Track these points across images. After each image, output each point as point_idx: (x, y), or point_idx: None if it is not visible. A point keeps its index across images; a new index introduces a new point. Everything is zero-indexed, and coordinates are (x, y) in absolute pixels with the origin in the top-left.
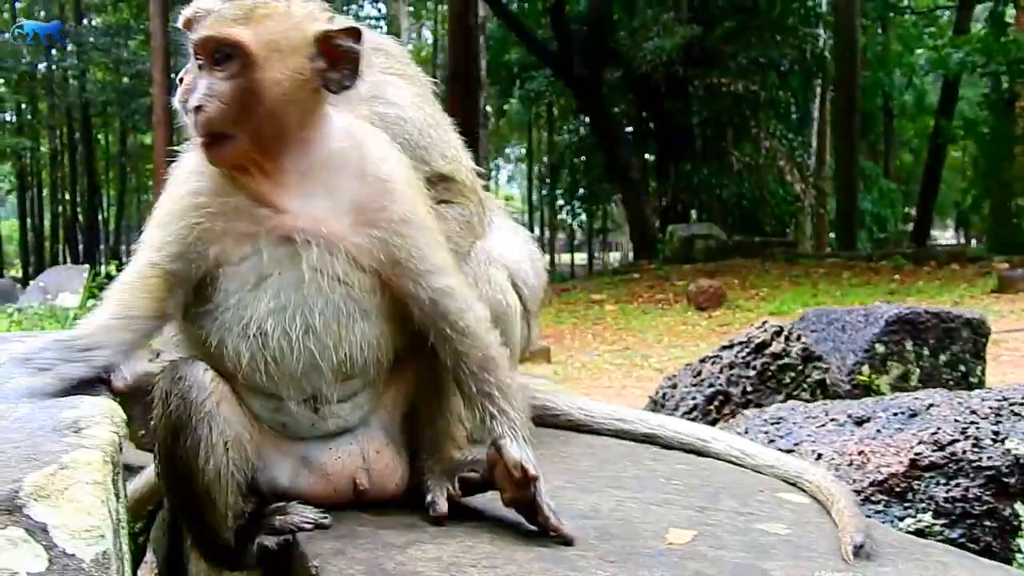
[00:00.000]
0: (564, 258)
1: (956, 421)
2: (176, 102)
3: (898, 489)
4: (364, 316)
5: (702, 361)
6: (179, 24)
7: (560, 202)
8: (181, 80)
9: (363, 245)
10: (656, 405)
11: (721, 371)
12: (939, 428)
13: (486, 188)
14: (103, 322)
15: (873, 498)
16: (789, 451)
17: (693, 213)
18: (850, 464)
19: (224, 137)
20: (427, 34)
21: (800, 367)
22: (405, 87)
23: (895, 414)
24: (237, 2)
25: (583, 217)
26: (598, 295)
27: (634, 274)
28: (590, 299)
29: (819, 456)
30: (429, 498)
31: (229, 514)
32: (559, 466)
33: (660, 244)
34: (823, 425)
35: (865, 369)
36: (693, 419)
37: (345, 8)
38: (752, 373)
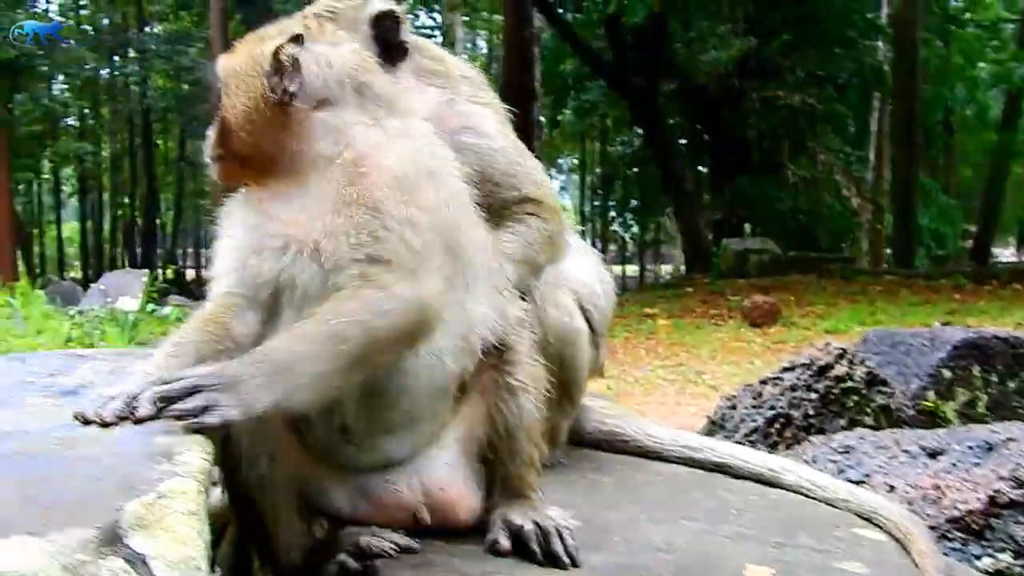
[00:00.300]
0: (615, 270)
1: None
2: None
3: (976, 527)
4: None
5: (763, 382)
6: None
7: (612, 213)
8: None
9: (333, 247)
10: (715, 426)
11: (782, 393)
12: (1018, 464)
13: None
14: (163, 352)
15: (949, 535)
16: (859, 482)
17: (747, 227)
18: (924, 498)
19: (218, 159)
20: (481, 44)
21: (864, 391)
22: (491, 116)
23: (971, 447)
24: None
25: (635, 229)
26: (651, 309)
27: (687, 288)
28: (643, 312)
29: (891, 489)
30: (490, 536)
31: (281, 530)
32: (631, 495)
33: (714, 258)
34: (894, 456)
35: (931, 395)
36: (753, 442)
37: None
38: (814, 396)
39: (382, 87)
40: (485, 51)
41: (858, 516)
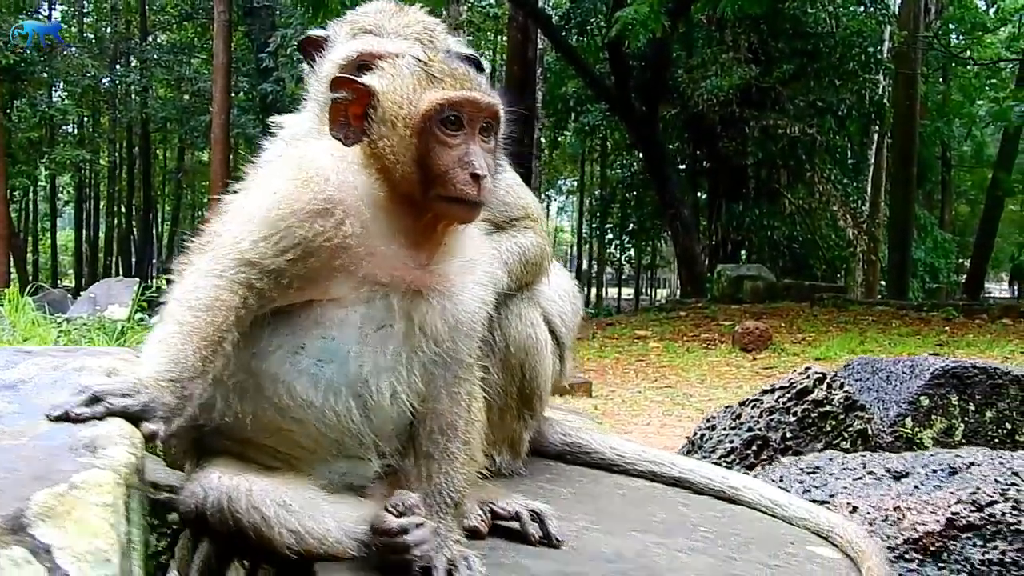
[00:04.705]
0: (611, 292)
1: (997, 481)
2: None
3: (933, 548)
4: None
5: (742, 404)
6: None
7: (609, 236)
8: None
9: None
10: (693, 446)
11: (761, 416)
12: (979, 488)
13: None
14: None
15: (907, 556)
16: (824, 502)
17: (743, 253)
18: (885, 519)
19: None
20: (485, 64)
21: (842, 416)
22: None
23: (934, 471)
24: (472, 71)
25: (632, 252)
26: (643, 331)
27: (680, 312)
28: (635, 335)
29: (854, 509)
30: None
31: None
32: (586, 506)
33: (708, 283)
34: (860, 477)
35: (908, 421)
36: (731, 463)
37: None
38: (792, 419)
39: None
40: (488, 71)
41: (815, 534)
